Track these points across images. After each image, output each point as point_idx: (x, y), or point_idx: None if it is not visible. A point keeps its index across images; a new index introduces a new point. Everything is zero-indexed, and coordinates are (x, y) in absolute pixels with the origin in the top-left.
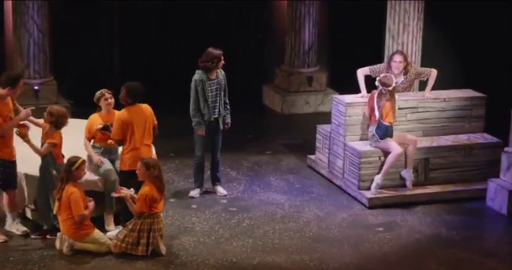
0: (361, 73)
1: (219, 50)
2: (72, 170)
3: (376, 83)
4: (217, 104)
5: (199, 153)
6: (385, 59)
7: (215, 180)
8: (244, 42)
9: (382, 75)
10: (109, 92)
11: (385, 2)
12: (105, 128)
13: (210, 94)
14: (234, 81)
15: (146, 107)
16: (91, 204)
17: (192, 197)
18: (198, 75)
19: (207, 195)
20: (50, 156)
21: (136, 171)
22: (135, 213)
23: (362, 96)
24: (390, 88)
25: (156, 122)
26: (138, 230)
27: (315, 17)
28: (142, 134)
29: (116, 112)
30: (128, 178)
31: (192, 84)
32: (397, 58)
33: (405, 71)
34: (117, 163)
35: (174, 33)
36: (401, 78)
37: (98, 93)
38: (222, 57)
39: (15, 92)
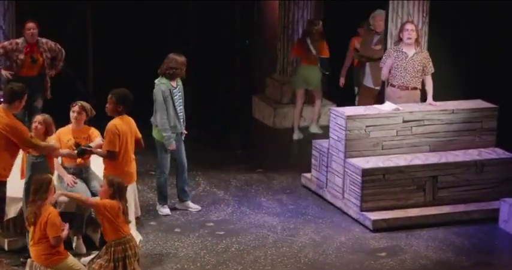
0: (385, 77)
1: (183, 56)
2: (50, 188)
3: None
4: (182, 113)
5: (166, 168)
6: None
7: (185, 196)
8: (230, 47)
9: None
10: (80, 103)
11: (386, 4)
12: (82, 152)
13: (176, 104)
14: (220, 92)
15: (130, 118)
16: (66, 228)
17: (167, 215)
18: (164, 85)
19: (191, 217)
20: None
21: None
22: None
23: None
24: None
25: (139, 135)
26: (113, 259)
27: None
28: (131, 146)
29: (92, 128)
30: None
31: (160, 96)
32: (409, 26)
33: (417, 42)
34: (93, 182)
35: (152, 38)
36: (413, 51)
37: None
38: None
39: (21, 106)
